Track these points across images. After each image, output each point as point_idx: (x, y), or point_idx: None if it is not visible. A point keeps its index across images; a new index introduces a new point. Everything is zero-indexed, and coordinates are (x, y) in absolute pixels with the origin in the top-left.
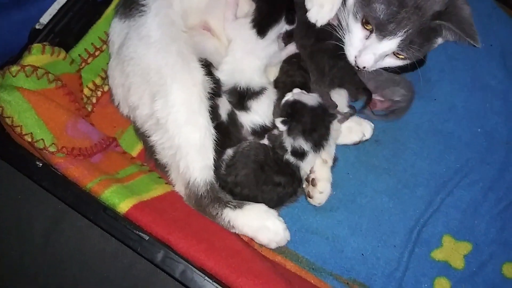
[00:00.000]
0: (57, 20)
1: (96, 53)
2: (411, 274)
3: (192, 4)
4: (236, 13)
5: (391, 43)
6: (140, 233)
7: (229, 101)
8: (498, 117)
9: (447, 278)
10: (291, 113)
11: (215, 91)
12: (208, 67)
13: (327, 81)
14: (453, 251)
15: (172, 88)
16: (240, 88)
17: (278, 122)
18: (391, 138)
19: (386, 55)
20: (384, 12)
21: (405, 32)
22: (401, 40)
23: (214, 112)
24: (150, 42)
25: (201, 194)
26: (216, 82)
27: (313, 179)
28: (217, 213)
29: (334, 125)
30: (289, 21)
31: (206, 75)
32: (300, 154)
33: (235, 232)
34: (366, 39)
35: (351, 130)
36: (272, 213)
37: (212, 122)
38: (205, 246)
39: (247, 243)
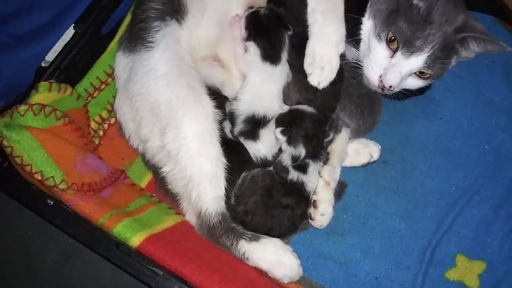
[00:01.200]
0: (62, 57)
1: (102, 87)
2: None
3: (201, 40)
4: (245, 47)
5: (418, 60)
6: (154, 268)
7: (242, 131)
8: (504, 133)
9: None
10: (290, 121)
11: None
12: (217, 97)
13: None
14: (467, 271)
15: (183, 120)
16: (257, 116)
17: (278, 132)
18: (399, 158)
19: (409, 75)
20: (411, 28)
21: (431, 47)
22: (427, 56)
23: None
24: (158, 75)
25: (214, 224)
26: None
27: (314, 201)
28: (232, 244)
29: (341, 146)
30: (287, 30)
31: (215, 107)
32: (302, 166)
33: None
34: (391, 58)
35: (359, 152)
36: (288, 248)
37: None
38: (219, 277)
39: (260, 272)
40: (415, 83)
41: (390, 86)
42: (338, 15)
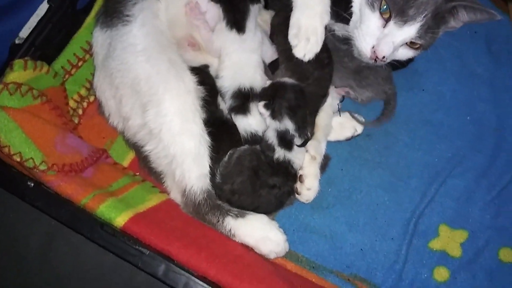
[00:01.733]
0: (37, 33)
1: (80, 64)
2: (410, 265)
3: (177, 15)
4: (210, 27)
5: (411, 29)
6: (140, 248)
7: (232, 106)
8: (485, 104)
9: (446, 267)
10: (272, 94)
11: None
12: (200, 72)
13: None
14: (450, 240)
15: (165, 97)
16: (244, 89)
17: (261, 106)
18: (382, 131)
19: (401, 46)
20: None
21: (424, 16)
22: (420, 26)
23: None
24: (137, 50)
25: (199, 202)
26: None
27: (300, 176)
28: (218, 221)
29: (325, 120)
30: (254, 1)
31: (198, 83)
32: (287, 141)
33: None
34: (383, 28)
35: (343, 126)
36: (274, 224)
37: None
38: (206, 254)
39: (247, 247)
40: (406, 53)
41: (383, 57)
42: None
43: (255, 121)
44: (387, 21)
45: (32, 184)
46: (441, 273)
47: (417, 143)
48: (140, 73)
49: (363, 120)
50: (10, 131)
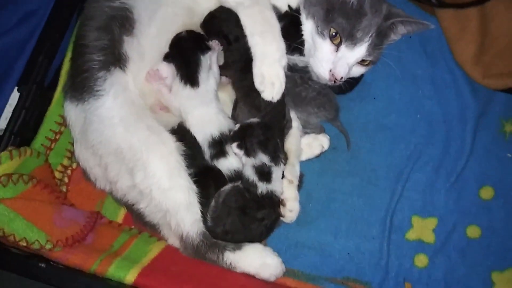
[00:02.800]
0: (14, 122)
1: (57, 137)
2: (394, 258)
3: (145, 84)
4: (168, 86)
5: (361, 49)
6: None
7: (212, 154)
8: (431, 101)
9: (424, 253)
10: (242, 135)
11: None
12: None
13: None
14: (422, 229)
15: (149, 161)
16: (216, 137)
17: (234, 147)
18: (345, 142)
19: (354, 64)
20: (350, 22)
21: (370, 36)
22: (368, 45)
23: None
24: (114, 122)
25: (197, 244)
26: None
27: (282, 200)
28: (218, 257)
29: (294, 144)
30: (205, 51)
31: (177, 141)
32: (265, 174)
33: None
34: (336, 52)
35: (311, 146)
36: (269, 249)
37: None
38: None
39: (248, 276)
40: (359, 70)
41: (341, 78)
42: (275, 33)
43: (235, 160)
44: (338, 45)
45: (44, 265)
46: (421, 260)
47: (378, 147)
48: (121, 143)
49: (328, 138)
50: (12, 220)
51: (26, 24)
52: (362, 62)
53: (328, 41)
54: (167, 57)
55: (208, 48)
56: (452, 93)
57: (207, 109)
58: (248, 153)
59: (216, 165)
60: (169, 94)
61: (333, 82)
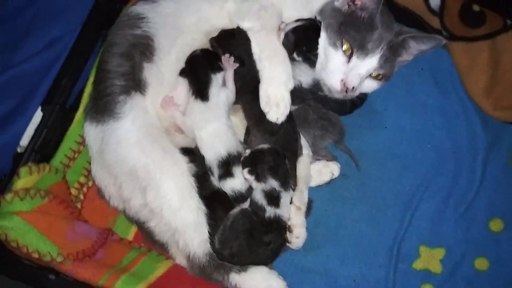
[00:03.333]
0: (35, 140)
1: (76, 156)
2: (400, 287)
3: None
4: (181, 111)
5: (373, 60)
6: None
7: (220, 174)
8: (441, 131)
9: (431, 283)
10: (253, 161)
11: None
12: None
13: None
14: (430, 259)
15: (162, 181)
16: (224, 157)
17: (245, 172)
18: (355, 169)
19: (366, 78)
20: (361, 34)
21: (381, 49)
22: (379, 57)
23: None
24: (131, 143)
25: (203, 264)
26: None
27: (289, 226)
28: (223, 278)
29: (304, 171)
30: (217, 70)
31: (189, 162)
32: (274, 199)
33: None
34: (348, 63)
35: (321, 172)
36: (274, 272)
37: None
38: None
39: None
40: (371, 85)
41: (353, 88)
42: (282, 57)
43: (239, 182)
44: (350, 57)
45: (54, 277)
46: None
47: (388, 176)
48: (137, 163)
49: (339, 166)
50: (26, 232)
51: (52, 49)
52: (375, 76)
53: (340, 52)
54: (183, 73)
55: (220, 69)
56: (462, 124)
57: (218, 124)
58: (259, 178)
59: (221, 186)
60: (182, 117)
61: (344, 93)
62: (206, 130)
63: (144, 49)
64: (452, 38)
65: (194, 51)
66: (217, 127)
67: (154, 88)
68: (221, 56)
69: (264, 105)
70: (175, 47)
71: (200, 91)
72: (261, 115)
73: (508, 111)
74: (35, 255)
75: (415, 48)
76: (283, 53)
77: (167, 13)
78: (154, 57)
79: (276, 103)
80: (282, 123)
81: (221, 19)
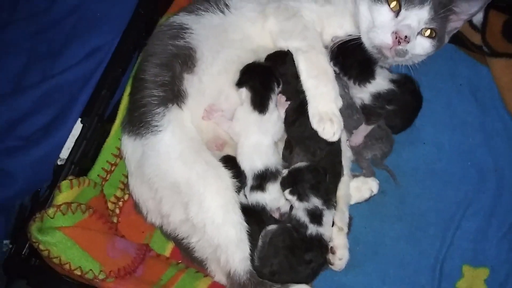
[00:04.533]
0: (75, 152)
1: (113, 169)
2: None
3: (201, 122)
4: (228, 119)
5: (423, 11)
6: None
7: (252, 185)
8: (481, 148)
9: None
10: (293, 180)
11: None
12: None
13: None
14: (474, 279)
15: (205, 195)
16: (260, 171)
17: (287, 193)
18: (394, 186)
19: (418, 34)
20: None
21: (430, 1)
22: (430, 8)
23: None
24: (173, 157)
25: (244, 282)
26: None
27: (331, 247)
28: None
29: (344, 190)
30: (278, 83)
31: (232, 177)
32: (317, 217)
33: None
34: (396, 17)
35: (360, 189)
36: None
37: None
38: None
39: None
40: (424, 44)
41: (406, 37)
42: (329, 75)
43: (269, 198)
44: (398, 12)
45: None
46: None
47: (427, 193)
48: (179, 178)
49: (377, 182)
50: (69, 248)
51: (92, 59)
52: (427, 33)
53: (386, 5)
54: (240, 82)
55: (280, 82)
56: (503, 142)
57: (263, 139)
58: (301, 198)
59: (247, 194)
60: (229, 122)
61: (397, 45)
62: (251, 140)
63: (185, 59)
64: (493, 55)
65: (254, 62)
66: (260, 141)
67: (194, 99)
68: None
69: (316, 124)
70: (218, 59)
71: (261, 102)
72: (303, 136)
73: None
74: (78, 272)
75: (465, 8)
76: (331, 72)
77: (212, 26)
78: (196, 68)
79: (329, 119)
80: (323, 145)
81: (264, 39)
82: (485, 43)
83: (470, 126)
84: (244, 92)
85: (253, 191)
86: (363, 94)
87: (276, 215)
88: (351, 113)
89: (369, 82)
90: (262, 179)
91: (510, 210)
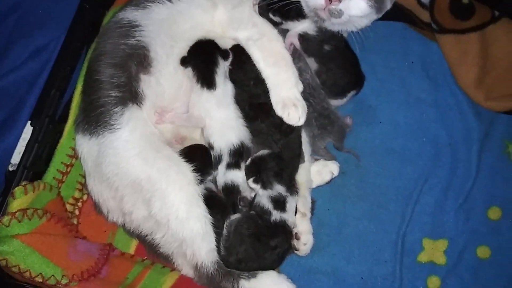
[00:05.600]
0: (27, 156)
1: (68, 169)
2: (406, 281)
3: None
4: (182, 111)
5: None
6: None
7: (229, 163)
8: (435, 124)
9: (436, 275)
10: (256, 169)
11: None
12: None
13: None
14: (434, 251)
15: (168, 190)
16: (236, 145)
17: (251, 182)
18: (354, 166)
19: None
20: None
21: None
22: None
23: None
24: (132, 154)
25: (212, 273)
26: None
27: (296, 233)
28: (233, 286)
29: (305, 176)
30: (224, 56)
31: (193, 171)
32: (281, 203)
33: None
34: None
35: (321, 173)
36: (283, 276)
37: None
38: None
39: None
40: (360, 3)
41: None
42: (287, 60)
43: (242, 175)
44: None
45: None
46: (434, 282)
47: (386, 171)
48: (140, 175)
49: (338, 165)
50: (28, 256)
51: (38, 58)
52: None
53: None
54: (184, 62)
55: (227, 55)
56: (456, 116)
57: (227, 112)
58: (265, 186)
59: (219, 175)
60: (185, 115)
61: (329, 6)
62: (216, 117)
63: (140, 59)
64: (442, 31)
65: (198, 41)
66: (226, 115)
67: (152, 101)
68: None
69: (280, 110)
70: (172, 56)
71: (207, 78)
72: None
73: (499, 101)
74: (39, 279)
75: None
76: (288, 56)
77: (160, 20)
78: (152, 68)
79: (293, 104)
80: (279, 136)
81: (216, 28)
82: (434, 20)
83: (424, 103)
84: (191, 72)
85: (229, 169)
86: (305, 25)
87: (245, 199)
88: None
89: None
90: (239, 155)
91: (465, 182)
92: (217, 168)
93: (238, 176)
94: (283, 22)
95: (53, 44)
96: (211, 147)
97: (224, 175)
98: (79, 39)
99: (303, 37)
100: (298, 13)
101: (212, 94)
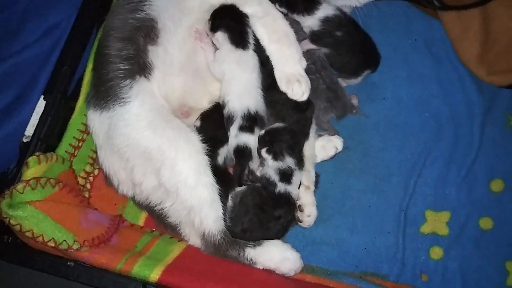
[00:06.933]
0: (40, 128)
1: (80, 144)
2: (409, 252)
3: (168, 90)
4: (214, 50)
5: None
6: None
7: (242, 126)
8: (438, 99)
9: (439, 245)
10: (270, 139)
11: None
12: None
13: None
14: (436, 222)
15: (177, 159)
16: (252, 112)
17: (264, 152)
18: (357, 141)
19: None
20: None
21: None
22: None
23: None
24: (142, 126)
25: (218, 241)
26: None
27: (299, 206)
28: (239, 254)
29: (309, 150)
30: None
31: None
32: (288, 176)
33: None
34: None
35: (325, 148)
36: (288, 245)
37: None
38: (237, 286)
39: (269, 271)
40: None
41: None
42: (291, 37)
43: (254, 140)
44: None
45: (72, 264)
46: (436, 252)
47: (389, 145)
48: (150, 144)
49: (341, 139)
50: (41, 221)
51: (50, 36)
52: None
53: None
54: (214, 27)
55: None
56: (458, 91)
57: (251, 77)
58: (277, 157)
59: (232, 137)
60: (213, 57)
61: None
62: (240, 77)
63: (148, 31)
64: (443, 8)
65: (219, 7)
66: (249, 79)
67: (161, 70)
68: None
69: (284, 86)
70: (180, 27)
71: (241, 38)
72: (272, 101)
73: (501, 76)
74: (51, 244)
75: None
76: (291, 33)
77: None
78: (160, 39)
79: (296, 80)
80: (293, 111)
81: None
82: None
83: (427, 79)
84: (221, 35)
85: (242, 132)
86: (311, 21)
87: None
88: None
89: (317, 9)
90: (253, 121)
91: (467, 155)
92: (229, 130)
93: (251, 140)
94: (289, 14)
95: (64, 23)
96: (224, 104)
97: (236, 137)
98: (89, 18)
99: (311, 37)
100: (305, 7)
101: (244, 55)
